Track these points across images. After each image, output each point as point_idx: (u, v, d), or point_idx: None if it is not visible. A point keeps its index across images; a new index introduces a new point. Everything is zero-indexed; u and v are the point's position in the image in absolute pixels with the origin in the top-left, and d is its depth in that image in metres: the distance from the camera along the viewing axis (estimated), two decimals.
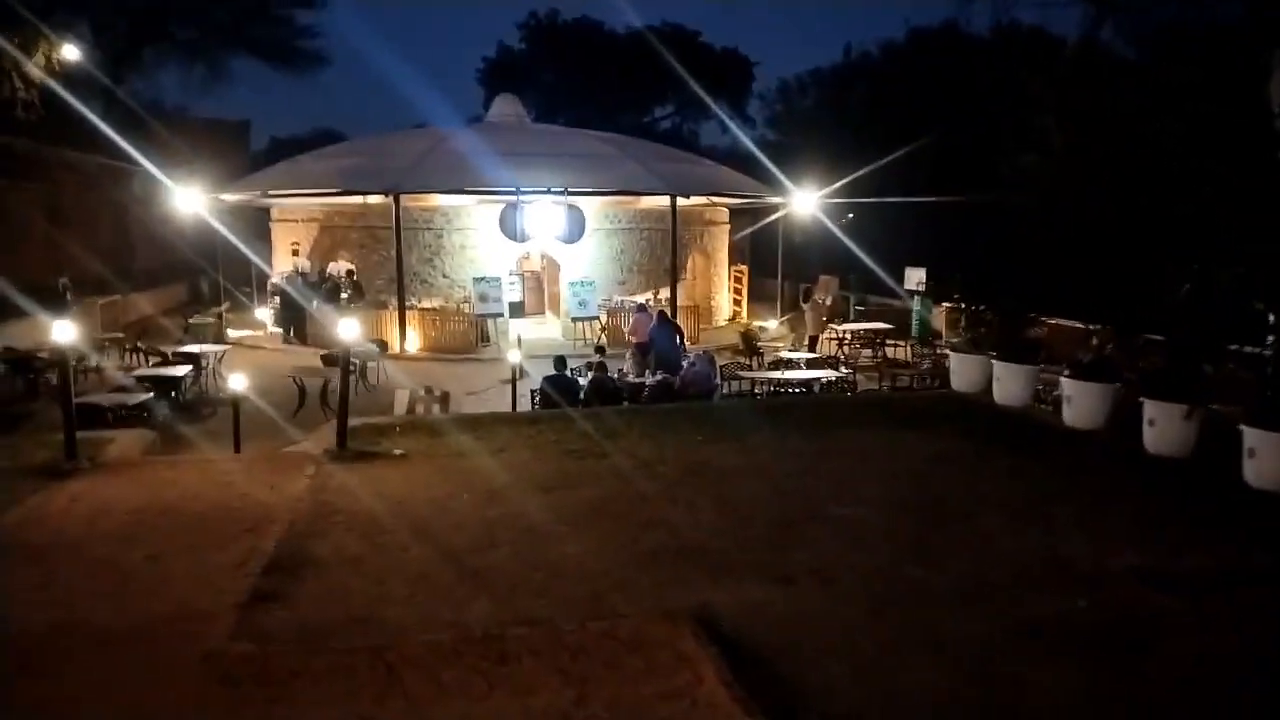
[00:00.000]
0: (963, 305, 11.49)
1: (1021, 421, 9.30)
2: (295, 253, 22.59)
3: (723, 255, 24.77)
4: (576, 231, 19.60)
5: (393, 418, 10.13)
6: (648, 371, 13.05)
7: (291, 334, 20.06)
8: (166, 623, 4.53)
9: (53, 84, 21.50)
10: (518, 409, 11.71)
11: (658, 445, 8.11)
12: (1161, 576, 5.24)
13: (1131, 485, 7.19)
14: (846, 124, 32.43)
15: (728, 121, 42.41)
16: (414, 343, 19.16)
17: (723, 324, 23.33)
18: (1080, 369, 9.14)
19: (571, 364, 12.38)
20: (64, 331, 7.40)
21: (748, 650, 4.23)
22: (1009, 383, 9.95)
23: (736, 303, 25.04)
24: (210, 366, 15.37)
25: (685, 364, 12.73)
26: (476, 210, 20.65)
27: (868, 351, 18.28)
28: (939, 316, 19.07)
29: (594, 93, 45.48)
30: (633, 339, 16.20)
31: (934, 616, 4.68)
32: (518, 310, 19.70)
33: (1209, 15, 12.01)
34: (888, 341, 18.43)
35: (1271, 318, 8.57)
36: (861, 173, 22.36)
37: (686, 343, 15.99)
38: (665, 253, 20.69)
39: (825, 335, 18.72)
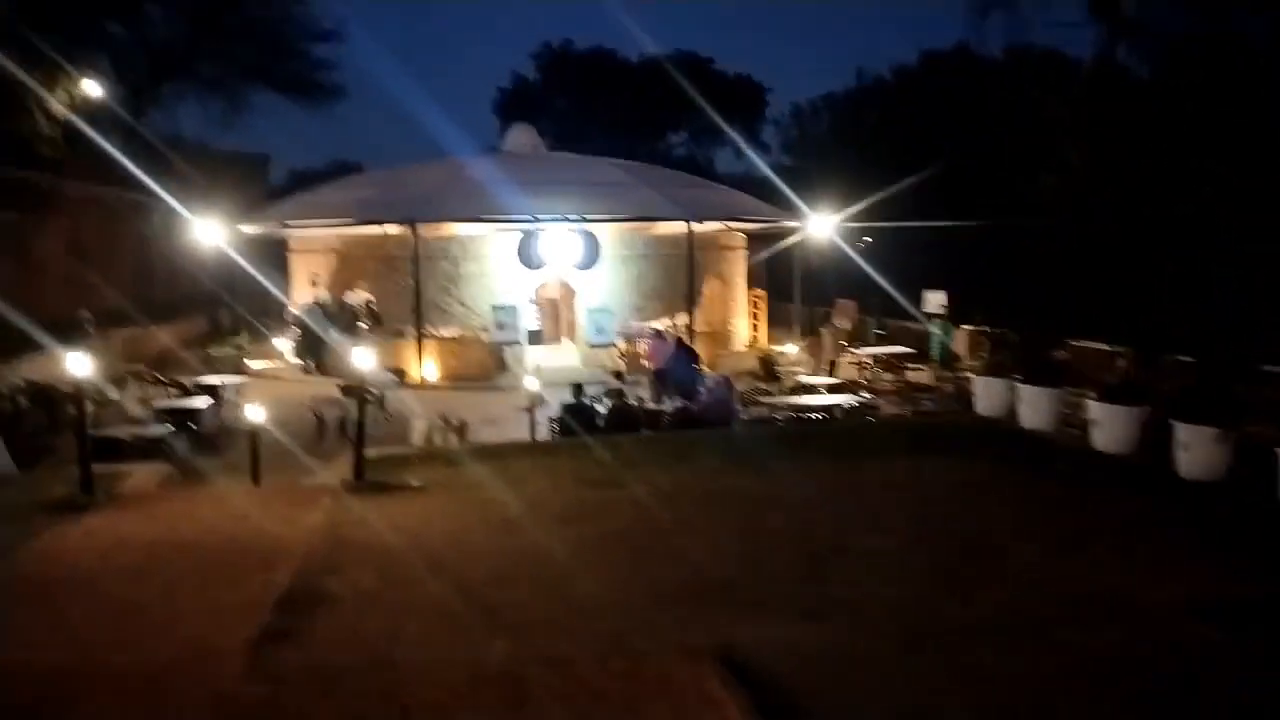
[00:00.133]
0: (985, 328, 11.34)
1: (1049, 446, 9.11)
2: (314, 283, 22.67)
3: (740, 280, 24.66)
4: (593, 258, 19.58)
5: (410, 448, 10.05)
6: (666, 398, 12.93)
7: (310, 364, 20.08)
8: (177, 663, 4.42)
9: (74, 119, 21.82)
10: (536, 437, 11.61)
11: (677, 474, 7.98)
12: (1204, 607, 5.05)
13: (1166, 511, 6.99)
14: (861, 147, 32.43)
15: (743, 146, 42.46)
16: (432, 371, 19.13)
17: (741, 349, 23.18)
18: (1108, 392, 8.96)
19: (589, 391, 12.28)
20: (80, 365, 7.38)
21: (776, 692, 4.06)
22: (1035, 406, 9.78)
23: (754, 327, 24.89)
24: (229, 398, 15.38)
25: (703, 390, 12.60)
26: (493, 239, 20.68)
27: (889, 375, 18.07)
28: (959, 339, 18.86)
29: (608, 121, 45.79)
30: (650, 365, 16.10)
31: (971, 653, 4.50)
32: (535, 338, 19.65)
33: (1221, 26, 11.89)
34: (909, 365, 18.22)
35: None
36: (878, 197, 22.26)
37: (704, 368, 15.86)
38: (682, 278, 20.61)
39: (845, 359, 18.54)
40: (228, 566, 5.74)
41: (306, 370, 20.01)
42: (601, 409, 11.59)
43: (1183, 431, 7.86)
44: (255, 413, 9.71)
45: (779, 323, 25.19)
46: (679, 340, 15.84)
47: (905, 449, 9.04)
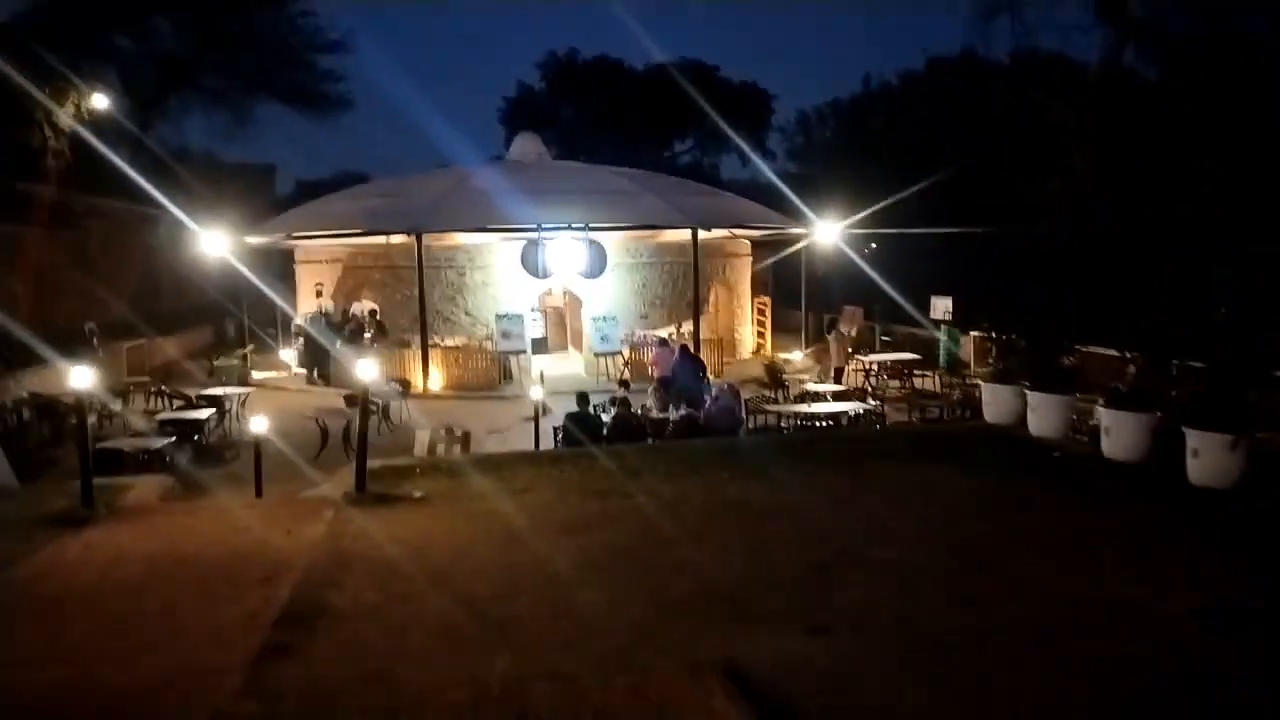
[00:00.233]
0: (993, 334, 11.24)
1: (1058, 453, 8.99)
2: (319, 293, 22.70)
3: (745, 287, 24.60)
4: (598, 267, 19.53)
5: (413, 459, 9.98)
6: (671, 406, 12.85)
7: (315, 374, 20.07)
8: (174, 680, 4.36)
9: (82, 132, 21.91)
10: (540, 446, 11.55)
11: (683, 484, 7.89)
12: (1218, 618, 4.95)
13: (1178, 520, 6.89)
14: (866, 154, 32.38)
15: (749, 153, 42.47)
16: (437, 381, 19.10)
17: (747, 356, 23.11)
18: (1118, 398, 8.85)
19: (594, 400, 12.22)
20: (82, 377, 7.34)
21: (784, 710, 3.98)
22: (1044, 413, 9.67)
23: (760, 335, 24.82)
24: (234, 409, 15.37)
25: (708, 398, 12.52)
26: (498, 247, 20.67)
27: (895, 382, 17.98)
28: (966, 346, 18.75)
29: (614, 129, 45.83)
30: (655, 372, 16.03)
31: (984, 668, 4.41)
32: (540, 346, 19.61)
33: (1225, 27, 11.81)
34: (915, 372, 18.12)
35: None
36: (884, 204, 22.19)
37: (710, 376, 15.78)
38: (687, 286, 20.56)
39: (851, 366, 18.45)
40: (228, 581, 5.68)
41: (311, 380, 20.00)
42: (606, 418, 11.52)
43: (1194, 438, 7.74)
44: (259, 424, 9.67)
45: (785, 330, 25.12)
46: (684, 348, 15.77)
47: (913, 457, 8.95)
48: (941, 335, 19.30)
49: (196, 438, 13.09)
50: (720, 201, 24.51)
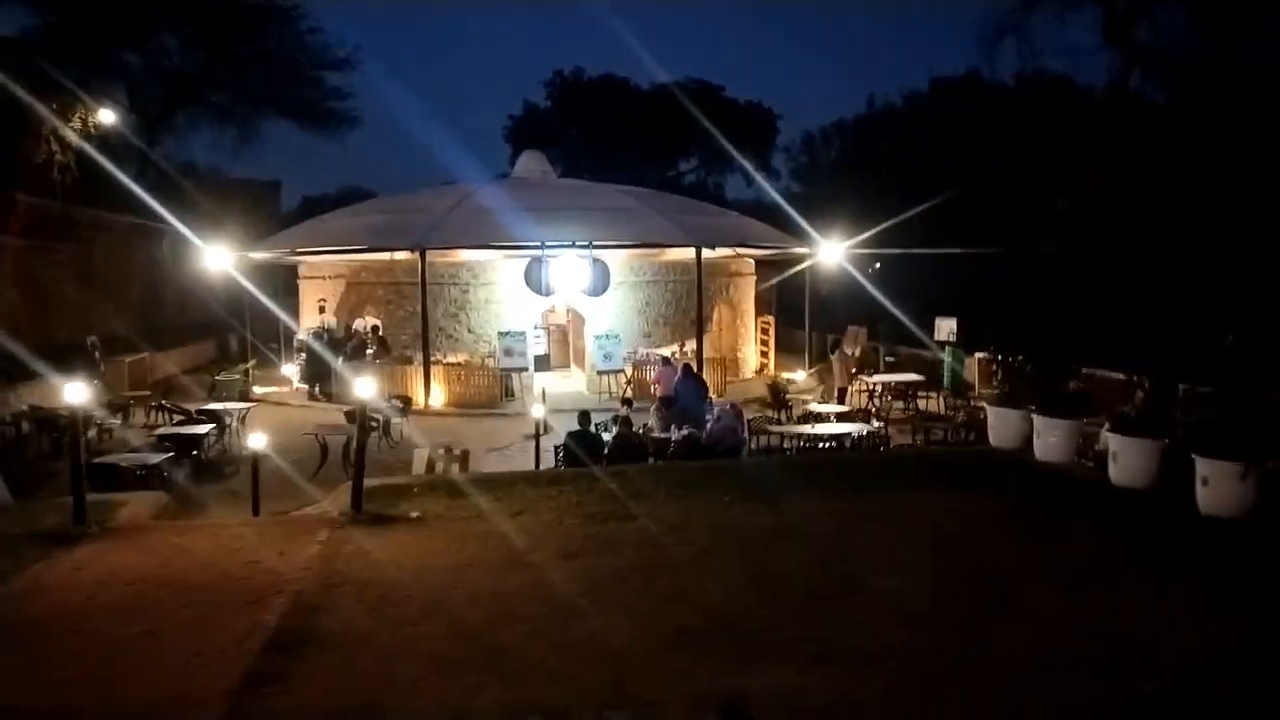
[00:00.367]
0: (998, 356, 11.12)
1: (1065, 480, 8.86)
2: (322, 309, 22.65)
3: (749, 306, 24.52)
4: (601, 285, 19.45)
5: (411, 478, 9.87)
6: (673, 426, 12.73)
7: (317, 390, 19.98)
8: (155, 710, 4.24)
9: (88, 147, 21.97)
10: (541, 465, 11.42)
11: (685, 506, 7.77)
12: (1230, 658, 4.80)
13: (1187, 551, 6.74)
14: (871, 174, 32.38)
15: (753, 173, 42.50)
16: (439, 398, 19.00)
17: (750, 376, 22.99)
18: (1126, 423, 8.72)
19: (596, 418, 12.11)
20: (76, 392, 7.25)
21: None
22: (1051, 438, 9.54)
23: (763, 354, 24.70)
24: (234, 424, 15.27)
25: (710, 418, 12.40)
26: (502, 265, 20.62)
27: (899, 404, 17.82)
28: (971, 367, 18.61)
29: (618, 148, 45.93)
30: (657, 391, 15.91)
31: (990, 704, 4.28)
32: (543, 364, 19.49)
33: (1231, 52, 11.78)
34: (920, 393, 17.97)
35: None
36: (888, 224, 22.12)
37: (712, 395, 15.66)
38: (691, 305, 20.47)
39: (855, 387, 18.30)
40: (217, 604, 5.57)
41: (313, 396, 19.90)
42: (608, 436, 11.40)
43: (1203, 466, 7.60)
44: (258, 440, 9.56)
45: (788, 349, 25.00)
46: (687, 367, 15.66)
47: (918, 481, 8.81)
48: (946, 356, 19.16)
49: (195, 453, 12.98)
50: (724, 220, 24.46)
